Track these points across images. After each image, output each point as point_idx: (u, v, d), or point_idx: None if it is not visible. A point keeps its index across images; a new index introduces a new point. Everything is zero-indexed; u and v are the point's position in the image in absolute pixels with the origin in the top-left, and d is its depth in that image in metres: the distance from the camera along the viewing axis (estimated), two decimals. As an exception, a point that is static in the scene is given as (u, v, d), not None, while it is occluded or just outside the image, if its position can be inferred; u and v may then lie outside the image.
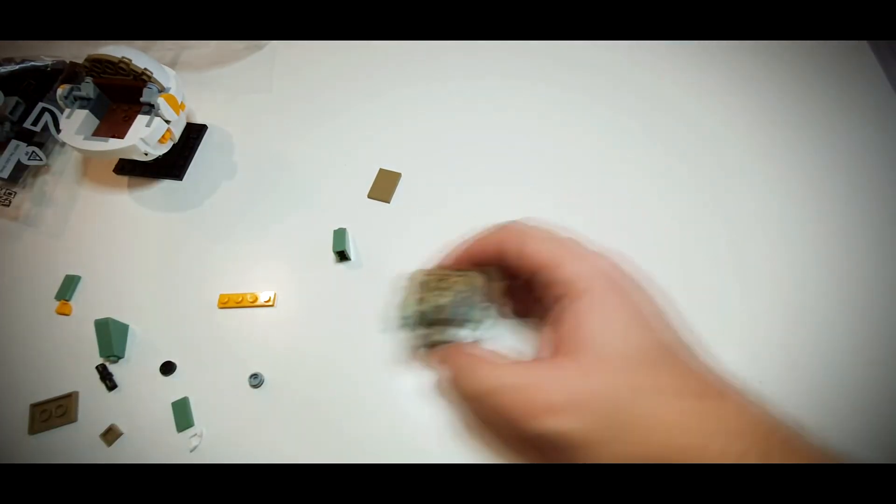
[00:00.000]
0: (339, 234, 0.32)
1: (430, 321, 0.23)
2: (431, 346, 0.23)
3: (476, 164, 0.36)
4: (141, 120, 0.32)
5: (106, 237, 0.35)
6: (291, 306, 0.31)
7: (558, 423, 0.18)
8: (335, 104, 0.40)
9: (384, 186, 0.35)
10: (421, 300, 0.23)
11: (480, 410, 0.20)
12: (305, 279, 0.33)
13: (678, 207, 0.34)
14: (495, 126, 0.38)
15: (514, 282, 0.23)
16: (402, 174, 0.36)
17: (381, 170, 0.36)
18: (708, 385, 0.19)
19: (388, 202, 0.35)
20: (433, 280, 0.24)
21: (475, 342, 0.24)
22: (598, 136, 0.37)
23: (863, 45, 0.39)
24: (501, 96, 0.39)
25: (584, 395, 0.19)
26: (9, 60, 0.40)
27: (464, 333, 0.23)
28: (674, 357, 0.20)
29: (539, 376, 0.19)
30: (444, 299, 0.22)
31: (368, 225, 0.34)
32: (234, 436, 0.28)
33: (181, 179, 0.37)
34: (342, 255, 0.32)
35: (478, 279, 0.25)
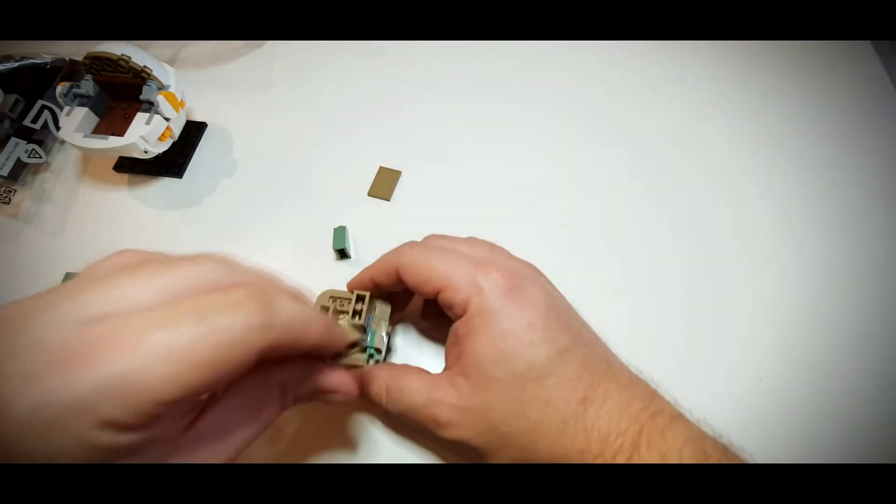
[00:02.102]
0: (339, 232, 0.32)
1: None
2: (347, 367, 0.24)
3: (476, 163, 0.36)
4: (140, 117, 0.32)
5: (106, 235, 0.35)
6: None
7: (454, 433, 0.21)
8: (335, 102, 0.40)
9: (384, 184, 0.35)
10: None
11: (408, 423, 0.24)
12: (305, 277, 0.33)
13: (677, 208, 0.34)
14: (496, 125, 0.38)
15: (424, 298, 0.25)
16: (403, 172, 0.36)
17: (381, 168, 0.36)
18: (595, 382, 0.21)
19: (389, 200, 0.35)
20: (336, 304, 0.25)
21: (387, 364, 0.26)
22: (604, 134, 0.37)
23: (865, 45, 0.39)
24: (502, 95, 0.39)
25: (472, 411, 0.21)
26: (8, 58, 0.40)
27: (366, 355, 0.25)
28: (566, 362, 0.22)
29: (438, 394, 0.22)
30: (343, 323, 0.24)
31: (368, 223, 0.34)
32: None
33: (181, 177, 0.37)
34: (342, 253, 0.32)
35: (380, 305, 0.26)
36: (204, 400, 0.18)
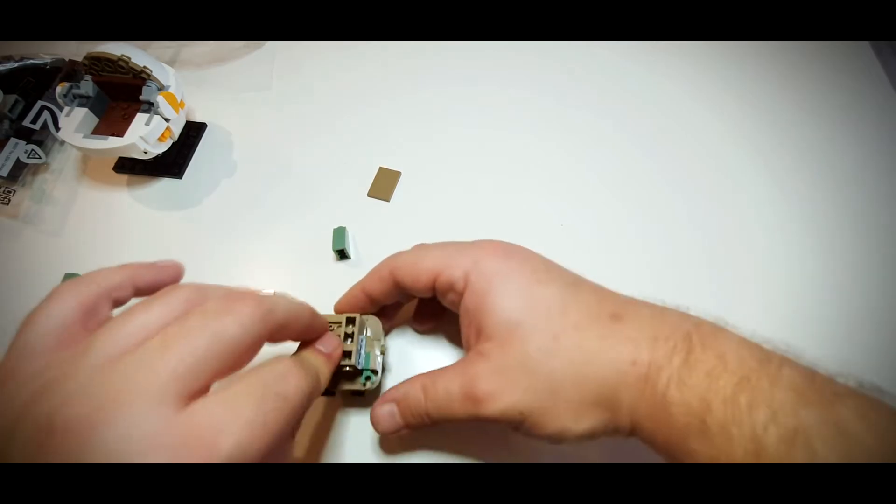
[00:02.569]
0: (339, 233, 0.32)
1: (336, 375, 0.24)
2: (346, 392, 0.24)
3: (476, 163, 0.36)
4: (140, 118, 0.32)
5: (106, 235, 0.35)
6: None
7: (499, 403, 0.20)
8: (335, 102, 0.40)
9: (384, 185, 0.35)
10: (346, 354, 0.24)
11: (452, 423, 0.21)
12: (305, 277, 0.33)
13: (677, 208, 0.34)
14: (496, 124, 0.38)
15: (421, 298, 0.24)
16: (402, 172, 0.36)
17: (380, 168, 0.36)
18: (620, 303, 0.21)
19: (388, 200, 0.35)
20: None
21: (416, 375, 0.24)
22: (604, 134, 0.37)
23: (864, 46, 0.39)
24: (502, 95, 0.39)
25: (510, 369, 0.20)
26: (8, 58, 0.40)
27: (362, 378, 0.24)
28: (579, 291, 0.21)
29: (471, 370, 0.21)
30: (353, 345, 0.24)
31: (368, 223, 0.34)
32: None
33: (181, 177, 0.37)
34: (342, 254, 0.32)
35: (371, 324, 0.25)
36: None
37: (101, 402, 0.14)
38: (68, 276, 0.33)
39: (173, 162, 0.37)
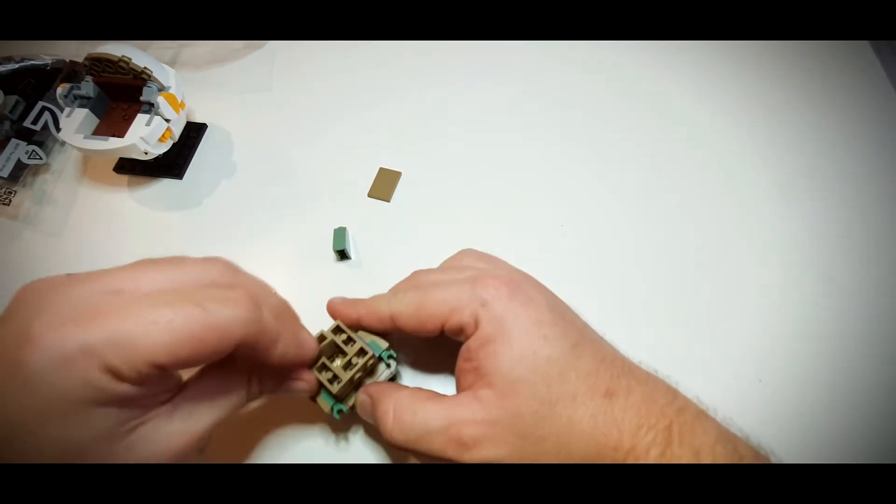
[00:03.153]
0: (340, 233, 0.32)
1: (341, 393, 0.24)
2: (351, 407, 0.24)
3: (476, 164, 0.36)
4: (141, 119, 0.32)
5: (106, 236, 0.35)
6: (291, 305, 0.31)
7: (484, 452, 0.20)
8: (335, 102, 0.40)
9: (384, 185, 0.35)
10: (332, 377, 0.24)
11: (415, 453, 0.21)
12: (305, 278, 0.33)
13: (677, 208, 0.34)
14: (497, 125, 0.38)
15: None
16: (403, 173, 0.36)
17: (381, 168, 0.36)
18: (615, 376, 0.21)
19: (389, 201, 0.35)
20: (335, 344, 0.24)
21: (395, 384, 0.25)
22: (604, 135, 0.37)
23: (864, 46, 0.39)
24: (503, 95, 0.39)
25: (501, 422, 0.20)
26: (8, 59, 0.40)
27: (388, 358, 0.24)
28: (581, 356, 0.21)
29: (461, 413, 0.21)
30: (350, 372, 0.23)
31: (369, 224, 0.34)
32: (234, 438, 0.28)
33: (181, 178, 0.37)
34: (342, 254, 0.32)
35: (381, 342, 0.25)
36: (180, 384, 0.20)
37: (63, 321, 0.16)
38: (69, 277, 0.33)
39: (174, 162, 0.37)
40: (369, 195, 0.35)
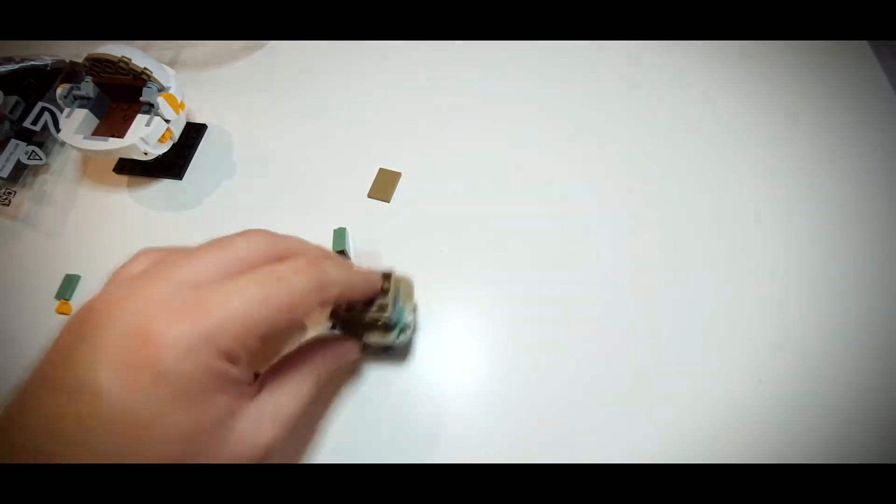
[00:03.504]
0: (339, 234, 0.32)
1: (359, 324, 0.26)
2: (375, 347, 0.25)
3: (476, 164, 0.36)
4: (140, 119, 0.32)
5: (106, 236, 0.35)
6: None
7: None
8: (335, 103, 0.40)
9: (384, 186, 0.35)
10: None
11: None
12: (305, 279, 0.33)
13: (676, 208, 0.34)
14: (497, 125, 0.38)
15: None
16: (402, 173, 0.36)
17: (380, 169, 0.36)
18: None
19: (389, 201, 0.35)
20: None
21: None
22: (604, 135, 0.37)
23: (863, 46, 0.39)
24: (503, 96, 0.39)
25: None
26: (8, 59, 0.40)
27: (396, 332, 0.26)
28: None
29: None
30: (362, 314, 0.25)
31: (368, 224, 0.34)
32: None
33: (181, 179, 0.37)
34: (342, 255, 0.32)
35: (404, 281, 0.27)
36: (259, 376, 0.22)
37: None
38: (68, 278, 0.33)
39: (173, 163, 0.37)
40: (369, 196, 0.35)
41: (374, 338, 0.26)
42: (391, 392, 0.29)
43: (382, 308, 0.25)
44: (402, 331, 0.26)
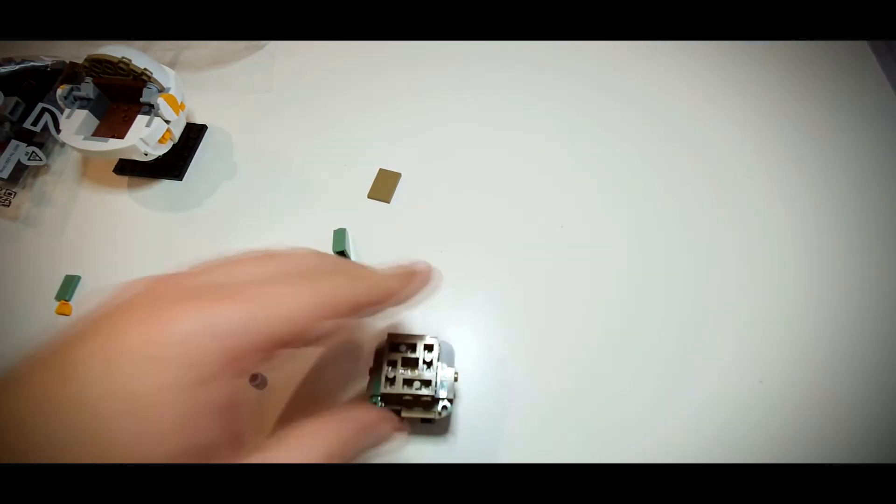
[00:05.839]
0: (339, 235, 0.32)
1: (399, 401, 0.24)
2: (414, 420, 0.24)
3: (476, 165, 0.36)
4: (141, 120, 0.32)
5: (106, 237, 0.35)
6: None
7: None
8: (335, 104, 0.40)
9: (384, 186, 0.35)
10: (387, 380, 0.23)
11: None
12: (305, 279, 0.33)
13: (676, 209, 0.34)
14: (497, 125, 0.38)
15: None
16: (402, 174, 0.36)
17: (380, 170, 0.36)
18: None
19: (389, 202, 0.35)
20: (399, 356, 0.24)
21: None
22: (604, 136, 0.37)
23: (862, 46, 0.39)
24: (503, 96, 0.39)
25: None
26: (8, 60, 0.40)
27: (441, 407, 0.24)
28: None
29: None
30: (411, 388, 0.23)
31: (369, 225, 0.34)
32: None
33: (181, 179, 0.37)
34: (342, 256, 0.32)
35: (445, 347, 0.25)
36: None
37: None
38: (68, 278, 0.33)
39: (174, 164, 0.37)
40: (369, 196, 0.35)
41: (417, 413, 0.24)
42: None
43: (426, 384, 0.23)
44: (444, 406, 0.24)
